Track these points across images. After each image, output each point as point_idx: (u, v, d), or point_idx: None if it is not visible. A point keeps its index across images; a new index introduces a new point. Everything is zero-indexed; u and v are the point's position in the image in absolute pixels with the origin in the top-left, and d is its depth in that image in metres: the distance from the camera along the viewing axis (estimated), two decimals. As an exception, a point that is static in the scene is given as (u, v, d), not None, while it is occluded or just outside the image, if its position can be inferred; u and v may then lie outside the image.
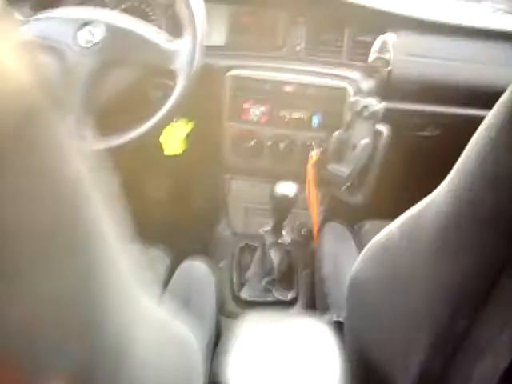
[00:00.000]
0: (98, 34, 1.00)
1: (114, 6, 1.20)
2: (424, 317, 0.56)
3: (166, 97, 1.02)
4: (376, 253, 0.68)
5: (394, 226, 0.64)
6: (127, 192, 0.41)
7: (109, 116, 1.08)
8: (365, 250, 0.71)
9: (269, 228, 1.13)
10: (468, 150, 0.49)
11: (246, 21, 1.24)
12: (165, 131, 1.17)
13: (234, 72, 1.18)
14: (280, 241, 1.13)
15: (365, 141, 1.12)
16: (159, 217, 1.36)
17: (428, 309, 0.55)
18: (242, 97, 1.18)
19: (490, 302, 0.49)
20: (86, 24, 0.99)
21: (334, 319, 0.87)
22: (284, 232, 1.13)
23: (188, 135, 1.19)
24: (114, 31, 1.00)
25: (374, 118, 1.13)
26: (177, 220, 1.42)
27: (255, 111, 1.19)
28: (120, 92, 1.05)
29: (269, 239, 1.12)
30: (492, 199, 0.46)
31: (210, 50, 1.20)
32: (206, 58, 1.17)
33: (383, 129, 1.13)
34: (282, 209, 1.07)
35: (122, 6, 1.20)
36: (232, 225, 1.31)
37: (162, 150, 1.18)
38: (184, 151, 1.19)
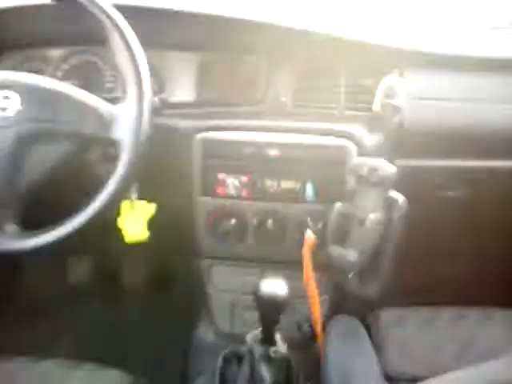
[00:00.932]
0: (16, 100, 0.78)
1: (56, 67, 1.01)
2: None
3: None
4: None
5: None
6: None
7: (40, 204, 0.86)
8: None
9: (257, 333, 0.87)
10: None
11: (219, 71, 1.02)
12: (123, 214, 0.94)
13: (204, 134, 0.95)
14: (273, 351, 0.86)
15: (375, 214, 0.87)
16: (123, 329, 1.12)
17: None
18: (217, 165, 0.95)
19: None
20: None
21: None
22: (278, 337, 0.87)
23: (153, 216, 0.95)
24: (36, 96, 0.78)
25: (385, 183, 0.88)
26: (144, 332, 1.17)
27: (234, 182, 0.95)
28: (51, 171, 0.82)
29: (258, 350, 0.86)
30: None
31: (174, 107, 1.00)
32: (169, 118, 0.96)
33: (398, 196, 0.89)
34: (270, 312, 0.81)
35: (65, 67, 1.01)
36: (215, 323, 1.05)
37: (122, 238, 0.95)
38: (150, 237, 0.95)
